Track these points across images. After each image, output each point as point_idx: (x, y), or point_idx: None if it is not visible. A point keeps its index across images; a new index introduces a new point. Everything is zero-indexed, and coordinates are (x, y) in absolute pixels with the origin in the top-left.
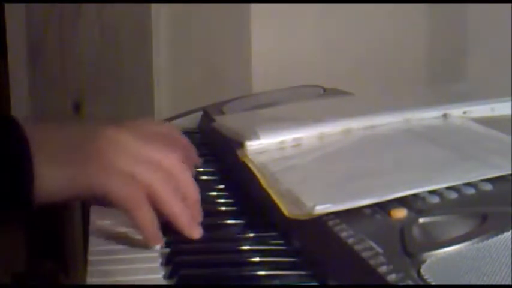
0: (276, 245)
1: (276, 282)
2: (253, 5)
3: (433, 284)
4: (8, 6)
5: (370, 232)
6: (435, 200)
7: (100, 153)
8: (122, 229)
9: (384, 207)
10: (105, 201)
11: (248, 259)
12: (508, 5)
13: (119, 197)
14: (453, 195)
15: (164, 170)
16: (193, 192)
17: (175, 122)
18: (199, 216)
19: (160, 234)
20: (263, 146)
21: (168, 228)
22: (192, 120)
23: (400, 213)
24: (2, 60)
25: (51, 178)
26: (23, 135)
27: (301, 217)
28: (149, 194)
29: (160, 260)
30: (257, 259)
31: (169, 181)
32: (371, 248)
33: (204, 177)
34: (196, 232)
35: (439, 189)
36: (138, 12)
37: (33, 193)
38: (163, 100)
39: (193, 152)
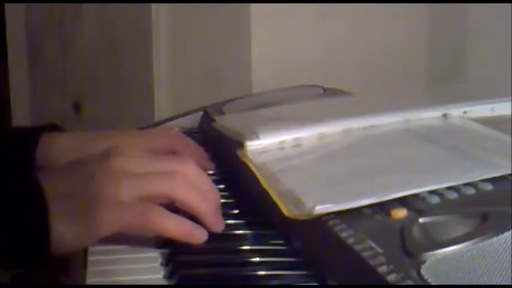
0: (276, 245)
1: (276, 282)
2: (253, 5)
3: (433, 284)
4: (8, 6)
5: (370, 232)
6: (435, 200)
7: (101, 193)
8: None
9: (384, 207)
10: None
11: (248, 259)
12: (508, 5)
13: (135, 226)
14: (453, 195)
15: (180, 175)
16: (213, 192)
17: (175, 122)
18: (220, 212)
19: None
20: (263, 146)
21: None
22: (192, 120)
23: (400, 213)
24: (2, 60)
25: (63, 234)
26: (41, 197)
27: (301, 217)
28: (171, 201)
29: (160, 260)
30: (257, 259)
31: (187, 185)
32: (371, 248)
33: None
34: (221, 226)
35: (439, 189)
36: (138, 12)
37: (49, 252)
38: (163, 100)
39: (203, 156)
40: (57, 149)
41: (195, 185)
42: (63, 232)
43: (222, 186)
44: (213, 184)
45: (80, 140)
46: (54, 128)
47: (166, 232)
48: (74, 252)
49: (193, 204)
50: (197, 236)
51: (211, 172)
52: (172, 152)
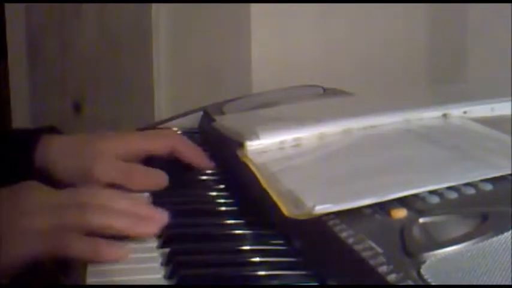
0: (276, 245)
1: (276, 282)
2: (253, 5)
3: (433, 284)
4: (8, 6)
5: (370, 232)
6: (435, 200)
7: (10, 224)
8: None
9: (384, 207)
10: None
11: (248, 259)
12: (508, 5)
13: (48, 253)
14: (453, 195)
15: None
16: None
17: (175, 122)
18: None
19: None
20: (263, 146)
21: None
22: (192, 120)
23: (400, 213)
24: (2, 60)
25: None
26: None
27: (301, 217)
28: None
29: (160, 260)
30: (257, 259)
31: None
32: (371, 248)
33: (204, 177)
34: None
35: (439, 189)
36: (138, 12)
37: None
38: (163, 100)
39: (202, 156)
40: (56, 151)
41: (108, 208)
42: None
43: (222, 186)
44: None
45: (78, 142)
46: (53, 130)
47: (79, 255)
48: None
49: (109, 225)
50: (113, 253)
51: (211, 171)
52: (172, 153)
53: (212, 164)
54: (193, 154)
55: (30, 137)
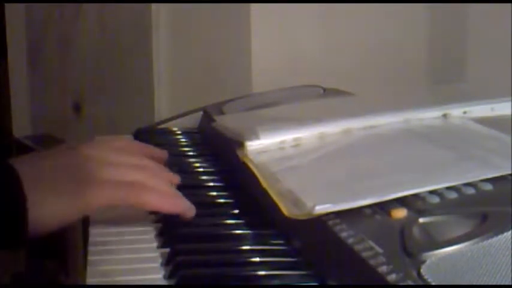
0: (276, 244)
1: (276, 282)
2: (253, 5)
3: (433, 284)
4: (8, 6)
5: (370, 232)
6: (435, 200)
7: (85, 172)
8: (122, 229)
9: (384, 207)
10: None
11: (248, 259)
12: (508, 5)
13: (121, 199)
14: (453, 195)
15: (145, 168)
16: (174, 178)
17: (175, 122)
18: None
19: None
20: (263, 146)
21: (167, 227)
22: (192, 120)
23: (400, 213)
24: (2, 60)
25: (50, 210)
26: (16, 176)
27: (301, 217)
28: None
29: (160, 260)
30: (257, 259)
31: (153, 175)
32: (371, 248)
33: (204, 177)
34: (192, 211)
35: (439, 189)
36: (138, 12)
37: (26, 233)
38: (163, 100)
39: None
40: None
41: (158, 175)
42: (52, 208)
43: (222, 186)
44: (172, 174)
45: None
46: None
47: (150, 205)
48: (66, 225)
49: (160, 190)
50: (181, 206)
51: (211, 171)
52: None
53: (166, 153)
54: (149, 154)
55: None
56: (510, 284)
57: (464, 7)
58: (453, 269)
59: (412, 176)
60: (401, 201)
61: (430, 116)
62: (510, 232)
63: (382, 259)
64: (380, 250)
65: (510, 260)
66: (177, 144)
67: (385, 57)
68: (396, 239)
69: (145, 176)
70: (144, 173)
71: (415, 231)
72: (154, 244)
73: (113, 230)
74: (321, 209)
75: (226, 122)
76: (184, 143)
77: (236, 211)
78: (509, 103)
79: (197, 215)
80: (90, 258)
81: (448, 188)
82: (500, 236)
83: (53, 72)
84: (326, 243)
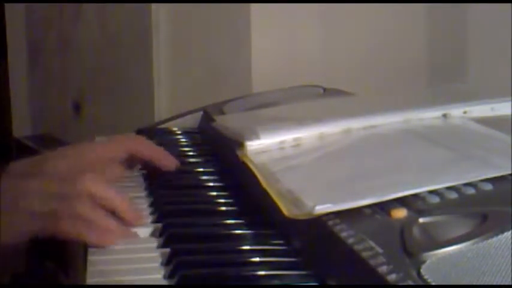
0: (276, 244)
1: (276, 282)
2: (253, 5)
3: (433, 284)
4: (8, 6)
5: (370, 232)
6: (435, 200)
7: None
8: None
9: (384, 207)
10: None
11: (248, 259)
12: (508, 5)
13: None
14: (453, 195)
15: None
16: (116, 202)
17: (175, 122)
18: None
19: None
20: (263, 146)
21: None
22: (192, 120)
23: (400, 213)
24: (2, 60)
25: None
26: None
27: (301, 217)
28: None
29: (160, 260)
30: (257, 259)
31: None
32: (371, 248)
33: (204, 177)
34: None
35: (439, 189)
36: (138, 12)
37: None
38: (163, 100)
39: (166, 156)
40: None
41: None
42: None
43: (222, 186)
44: (114, 192)
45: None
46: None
47: (68, 235)
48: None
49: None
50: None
51: (211, 171)
52: (133, 155)
53: (177, 162)
54: (155, 154)
55: None
56: (510, 284)
57: (464, 7)
58: (453, 269)
59: (412, 176)
60: (401, 201)
61: (430, 116)
62: (510, 232)
63: (382, 259)
64: (380, 250)
65: (510, 260)
66: (177, 144)
67: (385, 57)
68: (396, 239)
69: (67, 204)
70: (65, 201)
71: (415, 231)
72: (155, 244)
73: None
74: (321, 209)
75: (226, 122)
76: (184, 143)
77: (236, 211)
78: (509, 103)
79: (197, 215)
80: (90, 258)
81: (448, 188)
82: (500, 236)
83: (53, 72)
84: (326, 243)
